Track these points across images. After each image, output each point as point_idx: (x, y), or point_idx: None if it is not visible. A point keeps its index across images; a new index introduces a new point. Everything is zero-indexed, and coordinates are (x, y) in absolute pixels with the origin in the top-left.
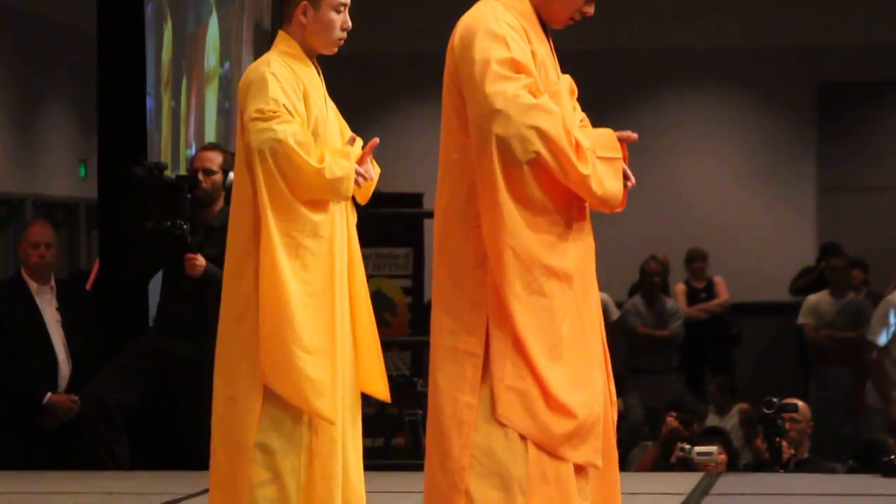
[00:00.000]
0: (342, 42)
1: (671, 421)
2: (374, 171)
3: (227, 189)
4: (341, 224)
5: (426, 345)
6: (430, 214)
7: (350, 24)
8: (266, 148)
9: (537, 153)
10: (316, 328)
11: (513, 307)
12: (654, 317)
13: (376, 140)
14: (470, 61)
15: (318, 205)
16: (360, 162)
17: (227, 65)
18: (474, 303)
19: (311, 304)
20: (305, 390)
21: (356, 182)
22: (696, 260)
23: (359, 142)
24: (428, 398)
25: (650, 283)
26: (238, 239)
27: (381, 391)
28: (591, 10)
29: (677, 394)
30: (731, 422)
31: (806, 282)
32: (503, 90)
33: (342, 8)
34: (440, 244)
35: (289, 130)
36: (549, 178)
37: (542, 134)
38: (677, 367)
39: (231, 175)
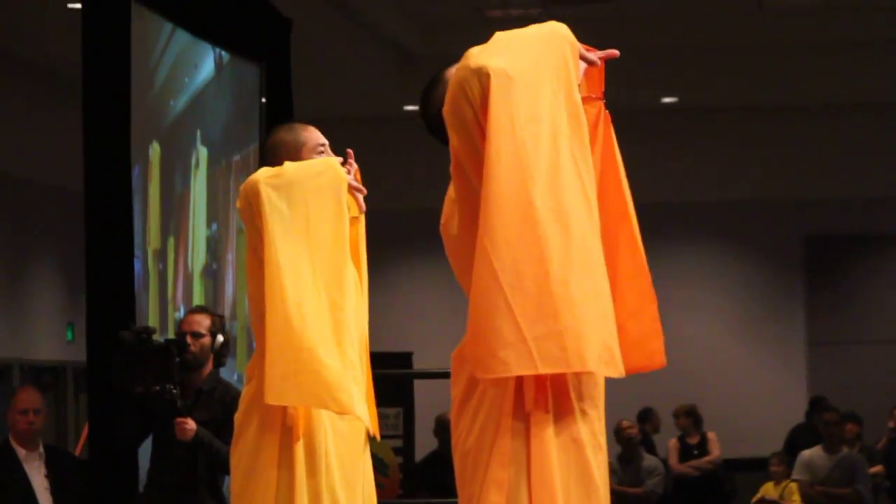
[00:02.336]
0: None
1: None
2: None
3: (216, 352)
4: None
5: None
6: (421, 375)
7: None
8: (258, 186)
9: None
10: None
11: None
12: (631, 475)
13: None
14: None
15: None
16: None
17: (214, 226)
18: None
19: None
20: (343, 394)
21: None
22: (681, 416)
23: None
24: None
25: (625, 441)
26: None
27: (374, 425)
28: None
29: None
30: None
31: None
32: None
33: (322, 148)
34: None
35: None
36: None
37: None
38: None
39: (219, 338)
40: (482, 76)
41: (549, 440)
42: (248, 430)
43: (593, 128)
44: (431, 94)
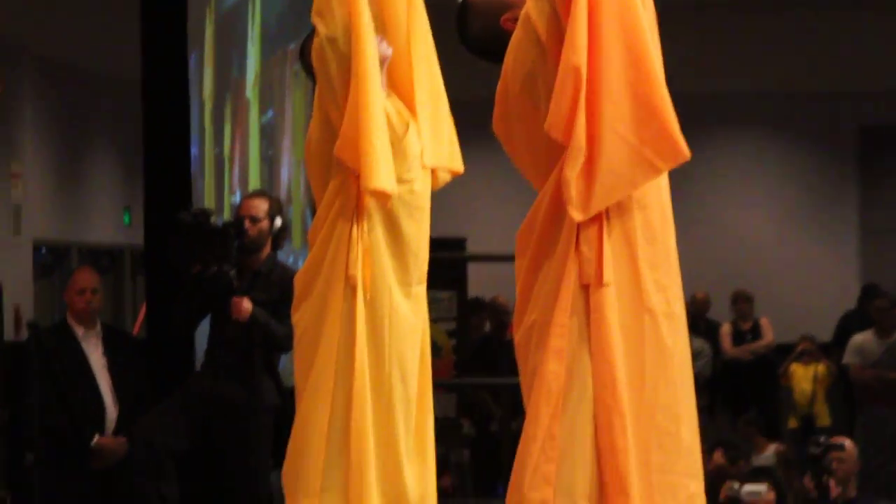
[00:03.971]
0: None
1: (718, 457)
2: None
3: (274, 235)
4: None
5: (470, 387)
6: (475, 258)
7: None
8: None
9: None
10: None
11: None
12: None
13: None
14: None
15: None
16: None
17: (270, 112)
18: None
19: None
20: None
21: None
22: (741, 301)
23: None
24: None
25: None
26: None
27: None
28: None
29: (721, 432)
30: (763, 461)
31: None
32: None
33: None
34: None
35: None
36: None
37: None
38: (708, 406)
39: (278, 221)
40: None
41: (608, 311)
42: (313, 289)
43: None
44: (464, 19)
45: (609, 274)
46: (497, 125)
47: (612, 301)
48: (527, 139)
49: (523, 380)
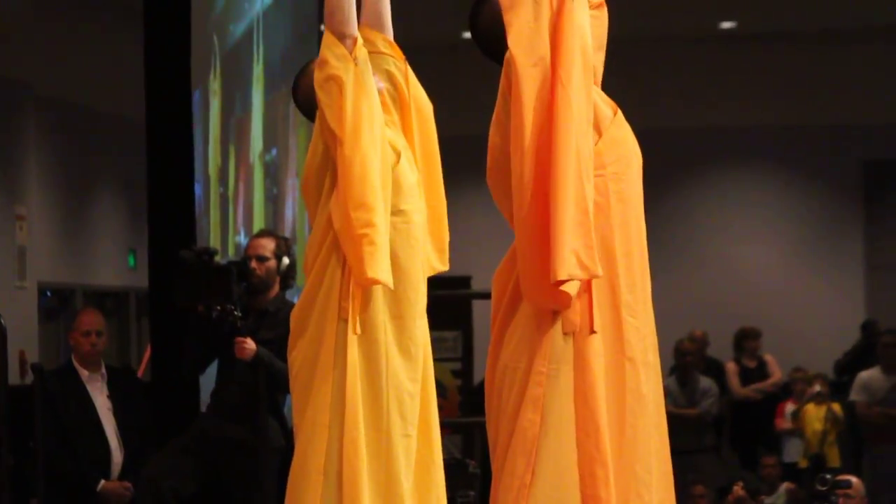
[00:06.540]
0: None
1: (738, 490)
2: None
3: (282, 275)
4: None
5: (477, 426)
6: (479, 296)
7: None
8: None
9: None
10: None
11: None
12: (687, 396)
13: None
14: None
15: None
16: None
17: (274, 151)
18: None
19: None
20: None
21: None
22: (749, 338)
23: None
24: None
25: (683, 362)
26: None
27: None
28: None
29: (733, 470)
30: (779, 501)
31: (849, 360)
32: None
33: None
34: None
35: None
36: None
37: None
38: (714, 446)
39: (285, 260)
40: None
41: (593, 359)
42: (307, 326)
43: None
44: (477, 12)
45: (597, 321)
46: (488, 175)
47: (597, 349)
48: (508, 190)
49: (489, 421)
